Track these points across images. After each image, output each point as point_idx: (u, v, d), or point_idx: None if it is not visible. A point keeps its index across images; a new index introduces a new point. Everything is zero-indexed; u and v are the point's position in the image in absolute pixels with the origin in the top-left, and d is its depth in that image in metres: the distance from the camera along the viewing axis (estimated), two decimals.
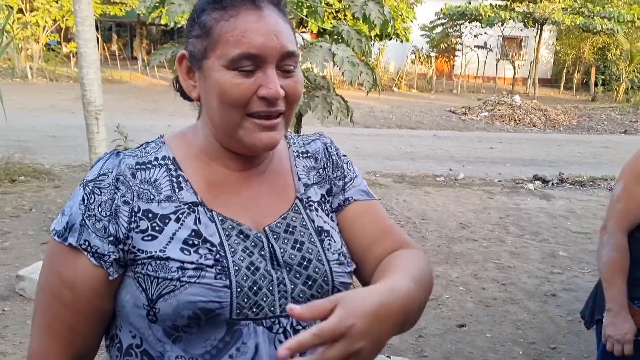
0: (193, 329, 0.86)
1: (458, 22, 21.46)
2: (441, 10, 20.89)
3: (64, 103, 13.42)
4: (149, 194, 0.91)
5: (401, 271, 0.88)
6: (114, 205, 0.88)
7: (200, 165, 0.96)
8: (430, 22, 21.81)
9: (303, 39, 5.37)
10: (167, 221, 0.89)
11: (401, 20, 17.37)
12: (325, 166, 1.06)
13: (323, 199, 1.03)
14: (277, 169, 1.02)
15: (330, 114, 5.25)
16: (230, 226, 0.92)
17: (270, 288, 0.90)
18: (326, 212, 1.02)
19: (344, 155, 1.10)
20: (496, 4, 20.70)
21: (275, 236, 0.94)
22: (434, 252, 4.93)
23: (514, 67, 22.46)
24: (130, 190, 0.90)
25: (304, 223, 0.97)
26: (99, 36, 21.24)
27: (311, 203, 1.01)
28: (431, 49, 23.07)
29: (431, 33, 22.34)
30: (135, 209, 0.89)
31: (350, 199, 1.05)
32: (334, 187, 1.05)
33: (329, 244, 0.97)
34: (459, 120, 14.65)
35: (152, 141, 0.98)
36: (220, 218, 0.92)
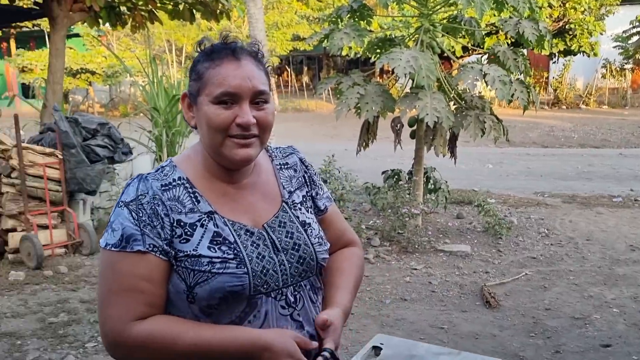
0: (222, 305, 1.17)
1: None
2: (636, 17, 19.01)
3: None
4: (178, 207, 1.20)
5: (347, 285, 1.37)
6: (159, 217, 1.17)
7: (208, 182, 1.25)
8: (624, 32, 19.93)
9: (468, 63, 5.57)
10: (195, 228, 1.19)
11: (587, 34, 16.25)
12: (305, 176, 1.41)
13: (304, 199, 1.38)
14: (265, 181, 1.34)
15: (483, 132, 5.38)
16: (239, 227, 1.23)
17: (275, 269, 1.23)
18: (307, 209, 1.37)
19: (312, 167, 1.45)
20: None
21: (272, 230, 1.27)
22: (592, 272, 4.75)
23: None
24: (165, 206, 1.19)
25: (291, 219, 1.31)
26: (290, 70, 23.26)
27: (295, 204, 1.34)
28: (625, 61, 21.01)
29: (625, 43, 20.38)
30: (171, 221, 1.18)
31: (327, 205, 1.43)
32: (315, 193, 1.41)
33: (311, 232, 1.32)
34: None
35: (165, 165, 1.27)
36: (230, 222, 1.22)
